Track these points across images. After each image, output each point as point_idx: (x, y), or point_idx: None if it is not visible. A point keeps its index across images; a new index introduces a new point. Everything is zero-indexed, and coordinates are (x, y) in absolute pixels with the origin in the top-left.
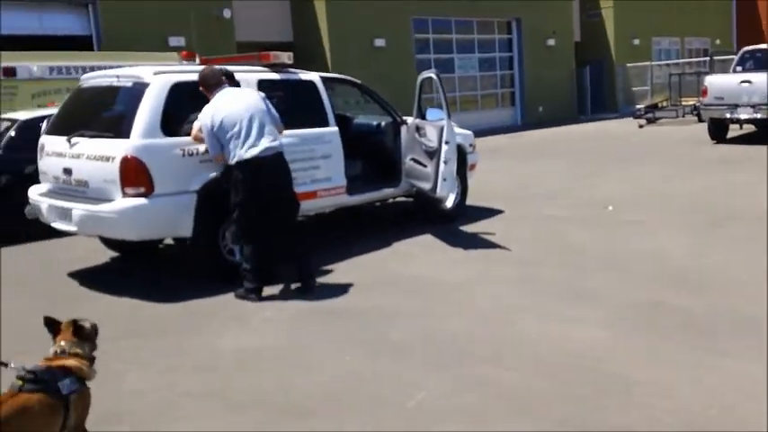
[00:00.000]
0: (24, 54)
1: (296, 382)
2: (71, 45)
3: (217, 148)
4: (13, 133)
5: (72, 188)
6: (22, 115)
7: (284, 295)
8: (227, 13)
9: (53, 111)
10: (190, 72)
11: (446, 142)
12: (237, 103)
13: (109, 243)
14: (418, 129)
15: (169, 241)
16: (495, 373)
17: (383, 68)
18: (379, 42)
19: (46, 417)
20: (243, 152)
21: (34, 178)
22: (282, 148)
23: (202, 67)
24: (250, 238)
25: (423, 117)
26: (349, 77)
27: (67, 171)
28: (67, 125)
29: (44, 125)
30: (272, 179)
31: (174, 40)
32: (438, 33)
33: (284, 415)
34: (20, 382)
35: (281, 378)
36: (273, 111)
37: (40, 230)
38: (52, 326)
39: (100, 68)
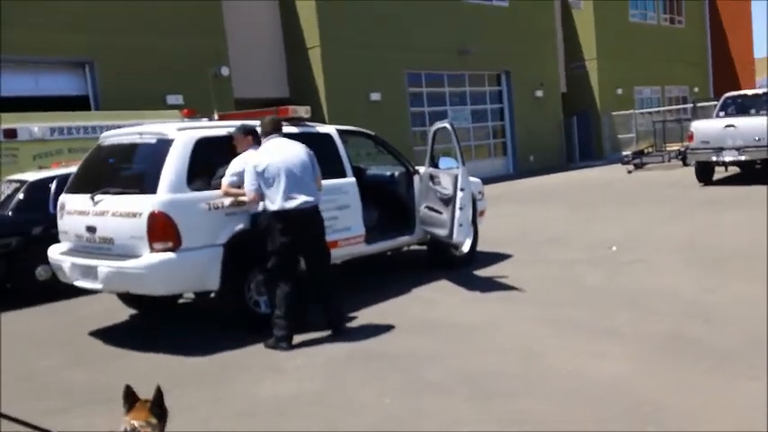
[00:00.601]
0: (24, 115)
1: (341, 424)
2: (68, 105)
3: (255, 187)
4: (21, 195)
5: (96, 246)
6: (30, 176)
7: (313, 343)
8: (224, 71)
9: (60, 171)
10: (211, 128)
11: (461, 189)
12: (285, 154)
13: (127, 300)
14: (432, 177)
15: (189, 295)
16: (532, 407)
17: (379, 121)
18: (375, 96)
19: None
20: (282, 203)
21: (43, 239)
22: (319, 202)
23: (222, 122)
24: (285, 284)
25: (435, 166)
26: (363, 129)
27: (91, 229)
28: (89, 183)
29: (53, 186)
30: (306, 229)
31: (172, 98)
32: (431, 87)
33: None
34: None
35: (325, 421)
36: (316, 165)
37: (52, 292)
38: (129, 398)
39: (102, 128)
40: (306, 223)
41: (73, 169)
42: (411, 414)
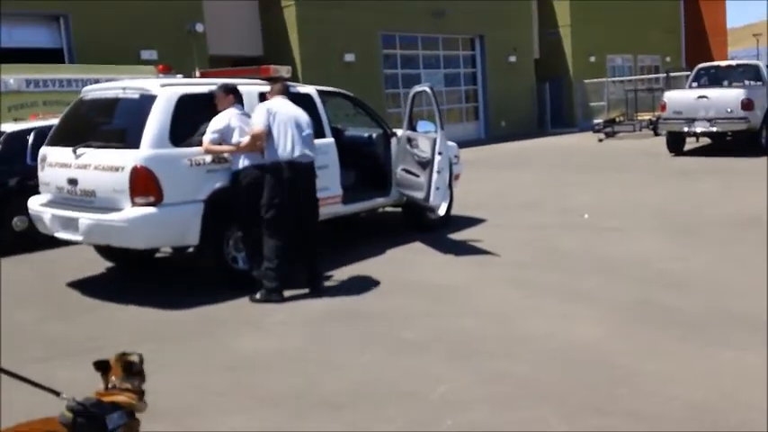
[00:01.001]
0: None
1: (322, 378)
2: (42, 58)
3: (267, 124)
4: None
5: (77, 198)
6: (7, 128)
7: (291, 300)
8: (199, 28)
9: (38, 123)
10: (194, 85)
11: (439, 153)
12: (290, 111)
13: (105, 253)
14: (410, 140)
15: (166, 250)
16: (510, 366)
17: (353, 82)
18: (349, 57)
19: None
20: (291, 152)
21: (19, 191)
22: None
23: (205, 80)
24: (280, 237)
25: (413, 129)
26: (342, 90)
27: (73, 181)
28: (71, 136)
29: (31, 138)
30: (306, 183)
31: (146, 54)
32: (405, 49)
33: (316, 408)
34: (69, 414)
35: (306, 375)
36: (311, 126)
37: (28, 242)
38: (103, 366)
39: (77, 82)
40: (307, 178)
41: (51, 122)
42: (390, 370)
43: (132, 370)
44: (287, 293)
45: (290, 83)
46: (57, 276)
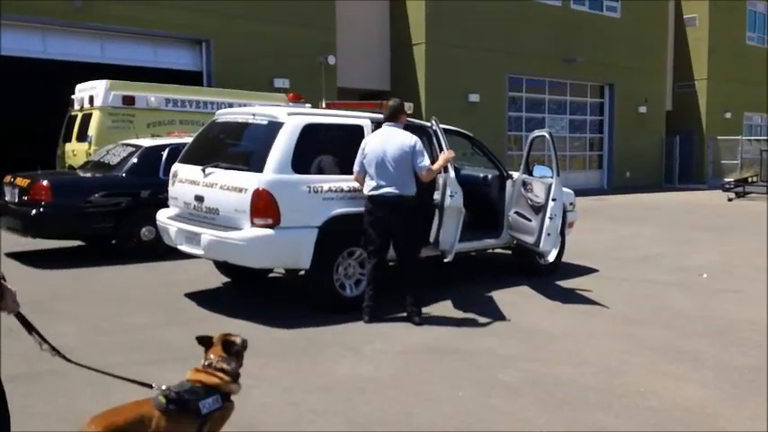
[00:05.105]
0: (143, 85)
1: (415, 410)
2: (183, 79)
3: (359, 169)
4: (135, 159)
5: (202, 214)
6: (145, 142)
7: (391, 330)
8: (331, 60)
9: (173, 141)
10: (319, 115)
11: (553, 199)
12: (385, 143)
13: (223, 268)
14: (525, 184)
15: (279, 271)
16: (607, 420)
17: (475, 122)
18: (473, 97)
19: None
20: (370, 188)
21: (150, 203)
22: (409, 193)
23: (329, 111)
24: (369, 262)
25: (530, 173)
26: (461, 130)
27: (199, 198)
28: (201, 155)
29: (165, 153)
30: (391, 217)
31: (279, 82)
32: (531, 92)
33: None
34: (163, 400)
35: (400, 405)
36: (421, 156)
37: (153, 253)
38: (205, 342)
39: (212, 104)
40: (391, 211)
41: (185, 140)
42: (482, 410)
43: (231, 351)
44: (389, 324)
45: (410, 119)
46: (175, 286)
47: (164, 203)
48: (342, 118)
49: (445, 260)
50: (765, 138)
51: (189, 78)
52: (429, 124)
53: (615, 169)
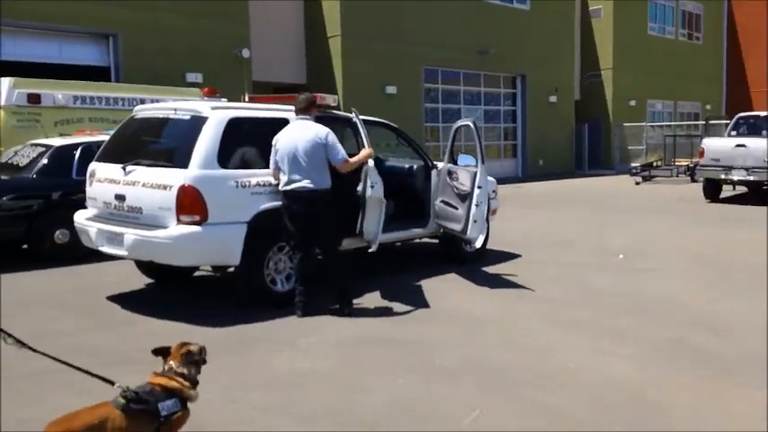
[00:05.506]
0: (48, 82)
1: (356, 399)
2: (90, 75)
3: (274, 166)
4: (46, 160)
5: (123, 214)
6: (55, 142)
7: (325, 323)
8: (246, 53)
9: (85, 139)
10: (243, 109)
11: (479, 187)
12: (297, 137)
13: (145, 269)
14: (450, 173)
15: (205, 268)
16: (542, 398)
17: (393, 114)
18: (391, 89)
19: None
20: (284, 184)
21: (62, 204)
22: (323, 186)
23: (253, 105)
24: (295, 257)
25: (455, 162)
26: (385, 121)
27: (120, 197)
28: (120, 153)
29: (77, 153)
30: (307, 211)
31: (192, 76)
32: (447, 84)
33: (352, 428)
34: (122, 400)
35: (340, 396)
36: (335, 150)
37: (69, 256)
38: (163, 352)
39: (124, 100)
40: (306, 205)
41: (99, 138)
42: (423, 395)
43: (191, 359)
44: (322, 317)
45: (334, 111)
46: (96, 290)
47: (78, 204)
48: (267, 111)
49: (370, 250)
50: (668, 124)
51: (96, 74)
52: (351, 116)
53: (529, 158)
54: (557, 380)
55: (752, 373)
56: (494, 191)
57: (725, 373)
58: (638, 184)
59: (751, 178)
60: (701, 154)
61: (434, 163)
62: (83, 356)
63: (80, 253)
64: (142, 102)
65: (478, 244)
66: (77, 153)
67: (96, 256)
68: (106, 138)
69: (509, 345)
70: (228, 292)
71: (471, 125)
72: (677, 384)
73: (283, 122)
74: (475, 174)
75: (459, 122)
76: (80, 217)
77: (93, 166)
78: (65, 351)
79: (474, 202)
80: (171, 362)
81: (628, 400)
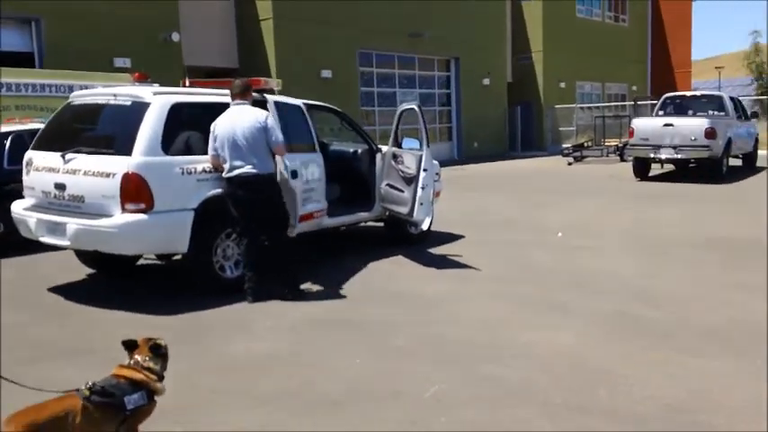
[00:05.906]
0: None
1: (316, 379)
2: (12, 62)
3: (213, 153)
4: None
5: (64, 203)
6: None
7: (279, 307)
8: (175, 37)
9: (15, 128)
10: (186, 93)
11: (424, 169)
12: (236, 122)
13: (85, 259)
14: (395, 156)
15: (149, 257)
16: (497, 370)
17: (329, 98)
18: (326, 73)
19: (93, 423)
20: (227, 170)
21: None
22: (266, 171)
23: (197, 90)
24: (244, 241)
25: (399, 146)
26: (330, 105)
27: (60, 186)
28: (58, 141)
29: (8, 142)
30: (252, 196)
31: (120, 61)
32: (382, 68)
33: (314, 407)
34: (87, 393)
35: (300, 377)
36: (273, 134)
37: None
38: (130, 345)
39: (51, 87)
40: (249, 191)
41: (31, 126)
42: (381, 373)
43: (158, 352)
44: (275, 302)
45: (277, 96)
46: (36, 281)
47: (13, 195)
48: (209, 96)
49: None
50: (597, 105)
51: (19, 60)
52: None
53: (464, 140)
54: (509, 353)
55: (689, 341)
56: (437, 173)
57: (663, 341)
58: (570, 164)
59: (678, 156)
60: (631, 134)
61: (379, 147)
62: (29, 349)
63: (19, 244)
64: (71, 88)
65: (425, 226)
66: (8, 142)
67: (34, 248)
68: (40, 126)
69: (461, 322)
70: (175, 279)
71: (416, 108)
72: (620, 353)
73: (225, 107)
74: (420, 157)
75: (404, 106)
76: (18, 207)
77: (30, 154)
78: (10, 344)
79: (420, 184)
80: (137, 355)
81: (575, 369)
